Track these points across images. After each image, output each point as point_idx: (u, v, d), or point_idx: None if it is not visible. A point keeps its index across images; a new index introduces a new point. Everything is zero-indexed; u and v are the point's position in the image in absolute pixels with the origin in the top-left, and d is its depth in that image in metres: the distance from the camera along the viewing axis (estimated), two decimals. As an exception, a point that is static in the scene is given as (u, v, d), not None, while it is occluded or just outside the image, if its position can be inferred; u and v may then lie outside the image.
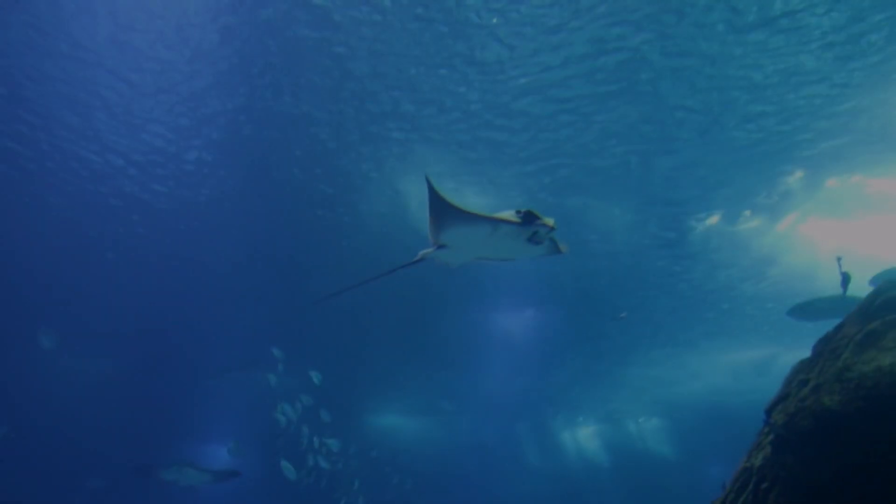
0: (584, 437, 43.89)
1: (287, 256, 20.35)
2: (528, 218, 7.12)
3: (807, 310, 12.60)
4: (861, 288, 8.28)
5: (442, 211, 7.26)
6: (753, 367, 31.26)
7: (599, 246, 20.26)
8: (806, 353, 8.34)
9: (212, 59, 13.47)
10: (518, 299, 23.96)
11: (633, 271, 21.67)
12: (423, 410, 35.89)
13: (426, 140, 15.67)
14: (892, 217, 18.54)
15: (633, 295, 23.48)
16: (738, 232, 19.62)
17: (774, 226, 19.13)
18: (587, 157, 16.14)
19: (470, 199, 17.39)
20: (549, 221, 7.14)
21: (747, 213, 18.59)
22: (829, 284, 12.21)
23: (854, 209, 18.25)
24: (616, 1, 11.99)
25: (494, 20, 12.42)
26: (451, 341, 26.43)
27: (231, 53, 13.36)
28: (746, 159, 16.10)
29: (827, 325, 8.63)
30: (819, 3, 12.07)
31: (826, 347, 7.87)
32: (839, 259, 9.99)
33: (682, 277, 22.53)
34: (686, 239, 20.03)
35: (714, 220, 19.02)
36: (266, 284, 21.70)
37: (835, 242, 19.59)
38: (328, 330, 24.60)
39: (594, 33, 12.70)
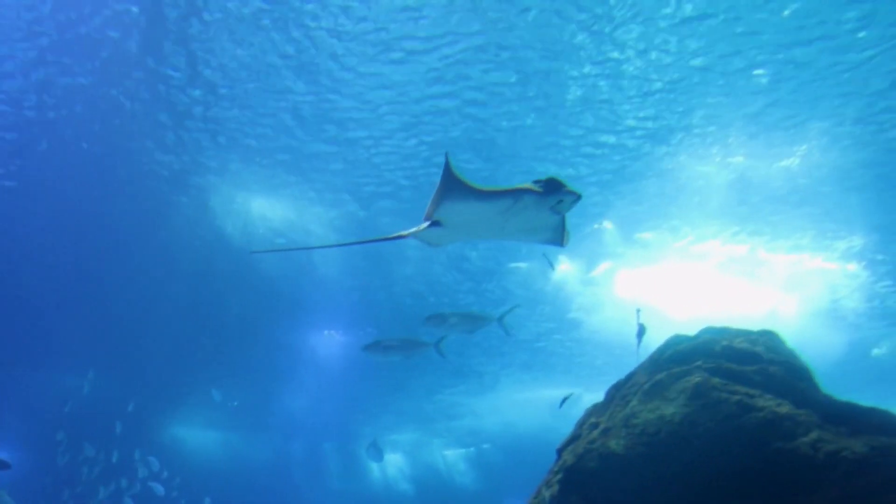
0: (390, 463, 43.89)
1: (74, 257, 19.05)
2: (553, 186, 6.67)
3: (441, 320, 13.49)
4: (656, 340, 8.73)
5: (456, 188, 6.58)
6: (557, 405, 32.61)
7: (414, 273, 20.44)
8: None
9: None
10: (329, 321, 23.67)
11: (445, 303, 22.00)
12: (225, 424, 34.45)
13: (241, 154, 15.26)
14: (693, 274, 20.08)
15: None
16: (553, 276, 20.48)
17: (587, 273, 20.15)
18: (404, 180, 16.21)
19: (287, 212, 17.13)
20: (575, 190, 6.72)
21: (561, 258, 19.46)
22: (631, 332, 12.98)
23: (660, 264, 19.58)
24: (448, 44, 12.21)
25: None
26: (260, 356, 25.61)
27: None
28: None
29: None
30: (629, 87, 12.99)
31: (617, 393, 8.23)
32: (638, 311, 10.61)
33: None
34: (501, 277, 20.65)
35: (525, 264, 19.80)
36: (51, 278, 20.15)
37: (641, 294, 20.92)
38: (115, 330, 23.04)
39: (427, 65, 12.81)
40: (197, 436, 35.96)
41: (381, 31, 11.97)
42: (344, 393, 30.23)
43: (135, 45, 12.50)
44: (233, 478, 36.86)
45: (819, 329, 23.36)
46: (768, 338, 7.74)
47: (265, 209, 16.94)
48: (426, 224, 7.13)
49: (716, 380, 7.37)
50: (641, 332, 10.19)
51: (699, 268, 19.76)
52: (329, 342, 25.09)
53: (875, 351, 24.82)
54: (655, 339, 8.94)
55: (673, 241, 18.44)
